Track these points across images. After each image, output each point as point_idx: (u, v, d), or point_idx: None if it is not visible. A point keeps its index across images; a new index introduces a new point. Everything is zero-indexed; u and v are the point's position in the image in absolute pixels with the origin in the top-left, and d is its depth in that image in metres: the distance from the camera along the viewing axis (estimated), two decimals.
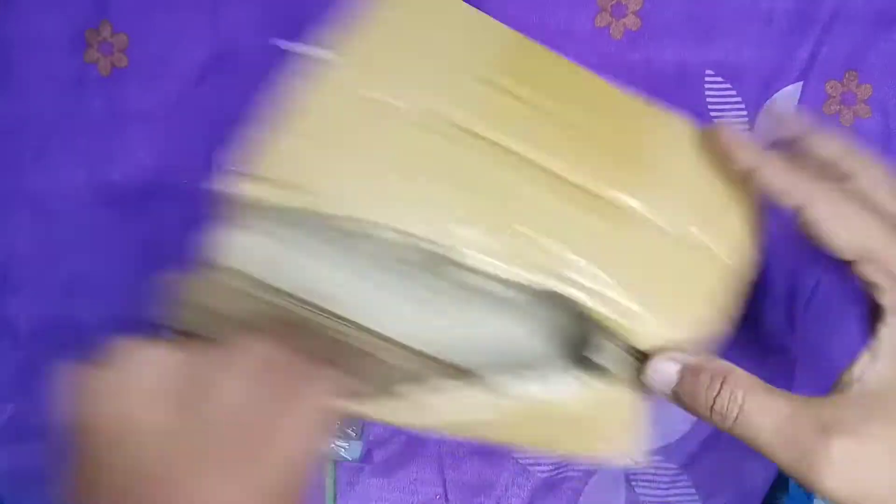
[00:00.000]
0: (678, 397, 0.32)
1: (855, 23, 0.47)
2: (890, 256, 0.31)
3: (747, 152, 0.34)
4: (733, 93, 0.47)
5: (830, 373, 0.46)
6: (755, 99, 0.47)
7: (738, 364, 0.46)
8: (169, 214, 0.48)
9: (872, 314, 0.32)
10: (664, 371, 0.33)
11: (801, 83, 0.47)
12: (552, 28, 0.48)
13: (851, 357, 0.46)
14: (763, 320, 0.47)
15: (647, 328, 0.33)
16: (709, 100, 0.47)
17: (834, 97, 0.47)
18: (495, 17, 0.48)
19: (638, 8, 0.48)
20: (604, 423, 0.34)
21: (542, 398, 0.34)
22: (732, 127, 0.35)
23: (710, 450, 0.46)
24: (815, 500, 0.46)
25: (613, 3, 0.48)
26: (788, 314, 0.47)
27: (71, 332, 0.48)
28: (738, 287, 0.36)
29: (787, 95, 0.47)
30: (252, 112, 0.48)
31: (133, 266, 0.48)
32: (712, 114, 0.47)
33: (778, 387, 0.46)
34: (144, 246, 0.48)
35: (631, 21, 0.48)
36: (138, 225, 0.48)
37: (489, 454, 0.47)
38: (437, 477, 0.47)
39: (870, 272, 0.31)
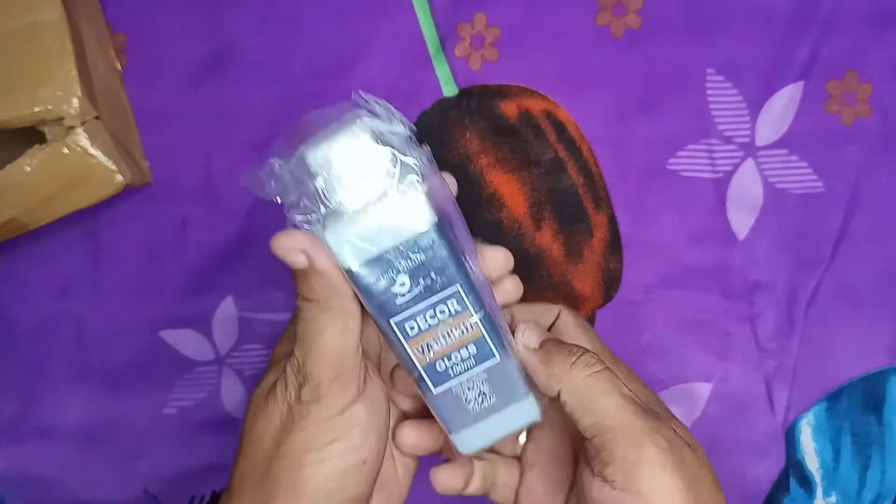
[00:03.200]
0: (525, 363, 0.34)
1: (855, 22, 0.47)
2: (617, 431, 0.31)
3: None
4: (734, 92, 0.47)
5: (830, 373, 0.47)
6: (756, 98, 0.47)
7: (735, 364, 0.47)
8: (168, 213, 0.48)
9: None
10: (529, 339, 0.34)
11: (801, 82, 0.47)
12: (553, 27, 0.48)
13: (851, 357, 0.46)
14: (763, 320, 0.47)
15: None
16: (710, 99, 0.47)
17: (834, 96, 0.47)
18: (495, 16, 0.48)
19: (639, 7, 0.48)
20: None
21: None
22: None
23: (711, 451, 0.46)
24: (815, 501, 0.46)
25: (614, 1, 0.48)
26: (788, 314, 0.47)
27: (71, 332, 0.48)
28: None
29: (788, 95, 0.47)
30: (252, 112, 0.49)
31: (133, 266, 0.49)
32: (713, 113, 0.47)
33: (778, 387, 0.46)
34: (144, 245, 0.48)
35: (632, 20, 0.48)
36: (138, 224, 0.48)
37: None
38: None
39: (597, 448, 0.31)
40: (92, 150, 0.42)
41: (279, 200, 0.30)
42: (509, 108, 0.47)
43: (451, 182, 0.34)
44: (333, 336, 0.31)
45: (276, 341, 0.48)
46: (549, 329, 0.38)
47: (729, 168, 0.47)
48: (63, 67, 0.41)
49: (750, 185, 0.47)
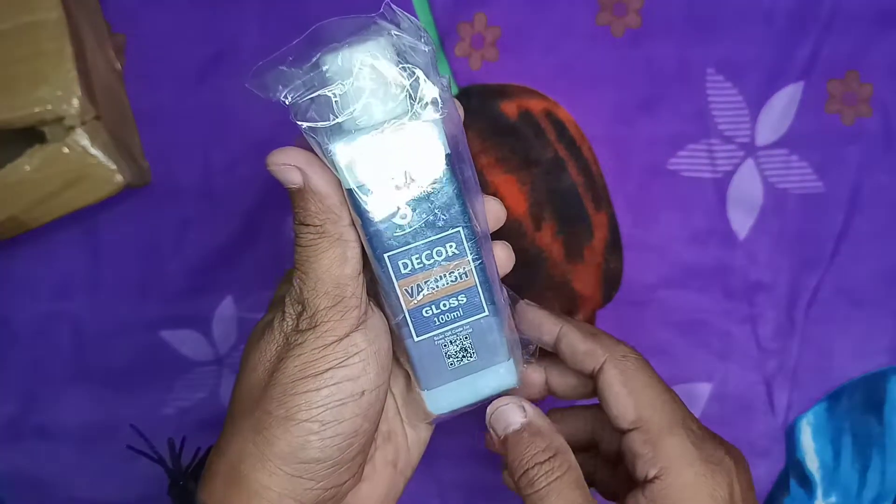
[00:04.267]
0: (505, 441, 0.33)
1: (856, 22, 0.47)
2: (660, 425, 0.31)
3: (550, 326, 0.35)
4: (734, 91, 0.47)
5: (830, 373, 0.47)
6: (756, 97, 0.47)
7: (735, 364, 0.47)
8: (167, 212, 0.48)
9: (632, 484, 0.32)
10: (509, 415, 0.33)
11: (802, 82, 0.47)
12: (553, 27, 0.48)
13: (852, 357, 0.46)
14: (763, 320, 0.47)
15: None
16: (710, 98, 0.47)
17: (835, 96, 0.47)
18: (495, 16, 0.48)
19: (639, 6, 0.48)
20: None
21: None
22: (532, 305, 0.36)
23: None
24: (815, 501, 0.46)
25: (614, 1, 0.48)
26: (788, 314, 0.47)
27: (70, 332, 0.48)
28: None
29: (788, 95, 0.47)
30: (252, 112, 0.49)
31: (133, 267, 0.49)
32: (713, 112, 0.47)
33: (778, 387, 0.46)
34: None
35: (632, 19, 0.48)
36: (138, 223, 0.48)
37: (486, 456, 0.47)
38: (429, 478, 0.47)
39: (637, 442, 0.32)
40: (92, 150, 0.42)
41: (287, 102, 0.28)
42: (509, 108, 0.47)
43: (459, 110, 0.32)
44: (331, 263, 0.29)
45: None
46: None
47: (729, 168, 0.47)
48: (63, 67, 0.41)
49: (750, 185, 0.47)
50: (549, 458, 0.32)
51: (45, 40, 0.41)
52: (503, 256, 0.33)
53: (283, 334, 0.30)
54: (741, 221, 0.47)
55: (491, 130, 0.47)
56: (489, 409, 0.33)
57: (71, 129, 0.41)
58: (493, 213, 0.32)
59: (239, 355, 0.48)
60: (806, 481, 0.46)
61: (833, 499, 0.46)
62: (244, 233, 0.48)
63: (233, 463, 0.30)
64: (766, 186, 0.47)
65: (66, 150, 0.42)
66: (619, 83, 0.48)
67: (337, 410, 0.29)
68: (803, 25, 0.47)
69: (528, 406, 0.33)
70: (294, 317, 0.30)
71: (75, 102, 0.41)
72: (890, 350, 0.46)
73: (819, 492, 0.46)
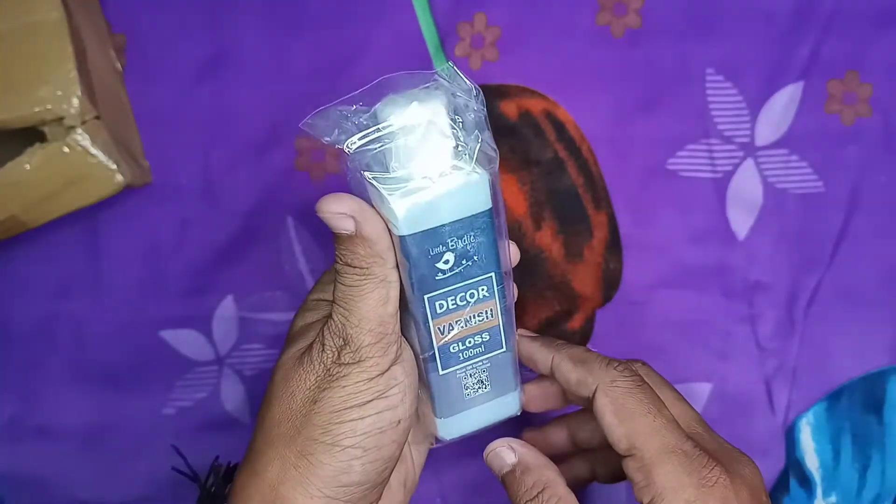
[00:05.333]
0: (503, 480, 0.36)
1: (856, 22, 0.47)
2: (651, 453, 0.32)
3: (543, 357, 0.36)
4: (734, 91, 0.47)
5: (830, 373, 0.47)
6: (756, 98, 0.47)
7: (735, 364, 0.47)
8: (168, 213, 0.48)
9: None
10: (502, 456, 0.36)
11: (801, 82, 0.47)
12: (553, 27, 0.48)
13: (851, 357, 0.46)
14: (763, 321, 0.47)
15: None
16: (710, 99, 0.47)
17: (835, 96, 0.47)
18: (495, 16, 0.48)
19: (639, 6, 0.48)
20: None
21: None
22: (526, 338, 0.38)
23: None
24: (814, 501, 0.46)
25: (614, 1, 0.48)
26: (788, 314, 0.47)
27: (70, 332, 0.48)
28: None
29: (788, 95, 0.47)
30: (252, 112, 0.49)
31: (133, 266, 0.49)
32: (713, 112, 0.47)
33: (778, 387, 0.47)
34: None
35: (632, 19, 0.48)
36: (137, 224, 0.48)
37: None
38: (432, 478, 0.47)
39: (631, 469, 0.32)
40: (92, 150, 0.42)
41: (349, 151, 0.30)
42: (509, 108, 0.47)
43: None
44: (375, 303, 0.31)
45: (276, 341, 0.48)
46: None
47: (729, 168, 0.47)
48: (63, 67, 0.41)
49: (750, 185, 0.47)
50: (539, 493, 0.34)
51: (45, 40, 0.41)
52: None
53: (322, 365, 0.32)
54: (741, 221, 0.47)
55: (491, 131, 0.47)
56: (486, 451, 0.36)
57: (71, 128, 0.41)
58: (511, 255, 0.35)
59: (239, 355, 0.48)
60: (806, 481, 0.46)
61: (833, 498, 0.46)
62: (244, 233, 0.48)
63: (272, 484, 0.31)
64: (765, 186, 0.47)
65: (66, 149, 0.42)
66: (618, 83, 0.48)
67: (378, 437, 0.32)
68: (803, 25, 0.47)
69: (517, 445, 0.36)
70: (335, 350, 0.32)
71: (75, 102, 0.41)
72: (890, 350, 0.46)
73: (819, 491, 0.46)
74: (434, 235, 0.31)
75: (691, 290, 0.47)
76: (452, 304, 0.32)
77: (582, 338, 0.47)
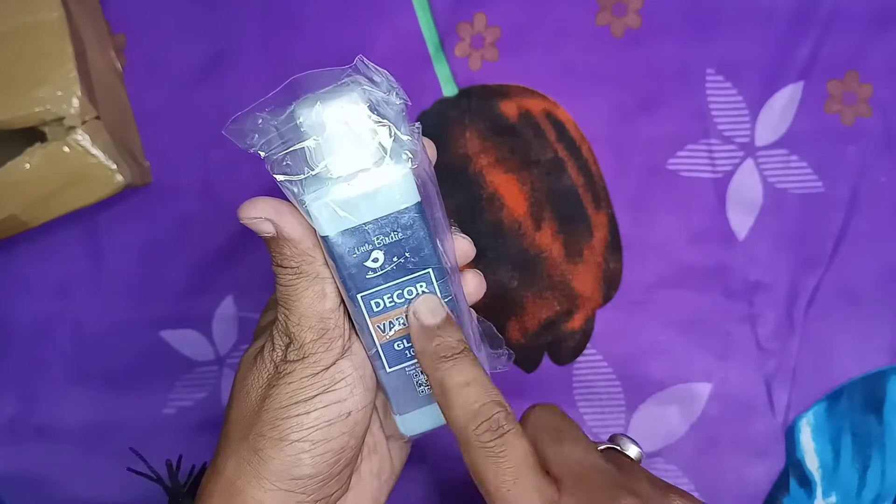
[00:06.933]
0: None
1: (856, 22, 0.47)
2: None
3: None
4: (734, 91, 0.47)
5: (830, 373, 0.47)
6: (756, 98, 0.47)
7: (735, 364, 0.47)
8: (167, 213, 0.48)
9: None
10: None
11: (801, 82, 0.47)
12: (552, 27, 0.48)
13: (851, 357, 0.46)
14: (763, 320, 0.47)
15: None
16: (709, 99, 0.47)
17: (835, 96, 0.47)
18: (495, 16, 0.48)
19: (639, 6, 0.48)
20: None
21: None
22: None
23: (712, 452, 0.46)
24: (814, 501, 0.46)
25: (614, 1, 0.48)
26: (788, 314, 0.47)
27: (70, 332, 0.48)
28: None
29: (788, 95, 0.47)
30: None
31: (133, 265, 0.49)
32: (713, 113, 0.47)
33: (778, 387, 0.46)
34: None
35: (632, 19, 0.48)
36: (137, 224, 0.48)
37: None
38: (427, 478, 0.47)
39: None
40: (92, 150, 0.42)
41: (262, 155, 0.30)
42: (509, 108, 0.47)
43: (431, 151, 0.33)
44: (311, 300, 0.31)
45: None
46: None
47: (729, 168, 0.47)
48: (63, 67, 0.41)
49: (750, 185, 0.47)
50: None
51: (45, 40, 0.42)
52: (474, 283, 0.35)
53: (272, 363, 0.32)
54: (741, 221, 0.47)
55: (491, 131, 0.47)
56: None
57: (71, 128, 0.41)
58: (462, 251, 0.34)
59: (239, 355, 0.48)
60: (806, 481, 0.46)
61: (833, 499, 0.46)
62: (244, 233, 0.48)
63: (230, 481, 0.32)
64: (765, 186, 0.47)
65: (66, 149, 0.42)
66: (618, 83, 0.48)
67: (326, 430, 0.32)
68: (803, 25, 0.47)
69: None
70: (282, 347, 0.32)
71: (75, 102, 0.41)
72: (890, 350, 0.46)
73: (819, 491, 0.46)
74: (356, 234, 0.30)
75: (691, 290, 0.47)
76: (389, 302, 0.32)
77: (582, 338, 0.47)
